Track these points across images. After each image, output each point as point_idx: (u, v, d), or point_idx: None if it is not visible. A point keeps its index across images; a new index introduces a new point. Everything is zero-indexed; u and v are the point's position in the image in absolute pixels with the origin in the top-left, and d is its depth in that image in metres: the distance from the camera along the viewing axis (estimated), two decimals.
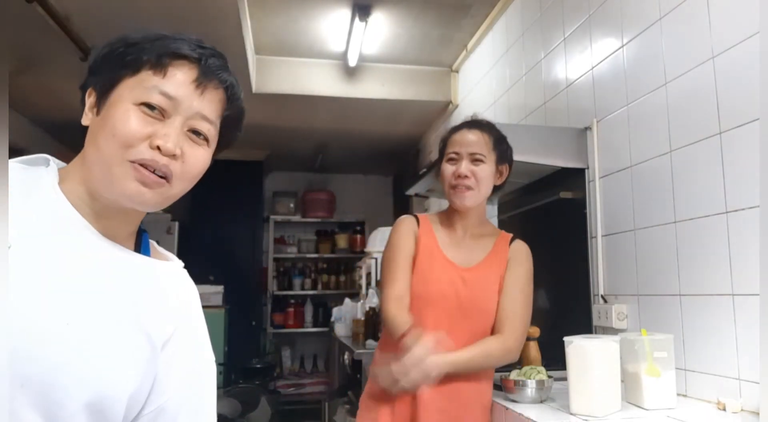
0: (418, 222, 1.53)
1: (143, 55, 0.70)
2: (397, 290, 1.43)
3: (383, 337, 1.57)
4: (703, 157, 1.43)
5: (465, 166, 1.41)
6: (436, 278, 1.44)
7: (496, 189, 1.52)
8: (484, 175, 1.43)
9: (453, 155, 1.45)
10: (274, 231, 5.41)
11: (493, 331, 1.43)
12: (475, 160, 1.42)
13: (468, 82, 3.46)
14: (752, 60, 1.28)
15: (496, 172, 1.47)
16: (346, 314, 3.55)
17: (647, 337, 1.34)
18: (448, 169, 1.45)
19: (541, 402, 1.41)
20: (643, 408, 1.32)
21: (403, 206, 4.94)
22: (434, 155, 4.56)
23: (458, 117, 3.64)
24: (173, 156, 0.70)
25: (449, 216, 1.53)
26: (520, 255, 1.49)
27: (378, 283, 3.35)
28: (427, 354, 1.24)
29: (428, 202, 4.20)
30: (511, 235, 1.53)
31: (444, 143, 1.50)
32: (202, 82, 0.72)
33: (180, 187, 0.73)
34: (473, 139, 1.44)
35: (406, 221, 1.53)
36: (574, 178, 2.03)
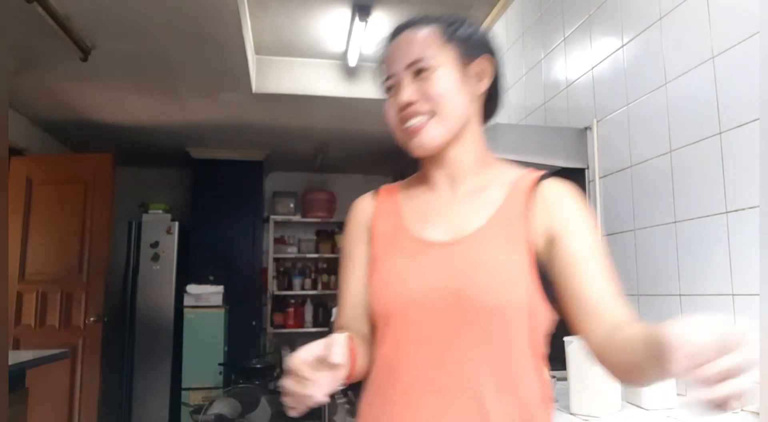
0: (376, 198, 0.99)
1: None
2: (339, 321, 0.95)
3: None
4: (703, 157, 1.43)
5: (406, 90, 0.88)
6: (394, 276, 0.87)
7: (491, 104, 0.96)
8: (442, 85, 0.87)
9: (389, 82, 0.92)
10: (274, 231, 5.41)
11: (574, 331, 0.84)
12: (418, 71, 0.88)
13: None
14: (752, 60, 1.28)
15: (467, 75, 0.90)
16: None
17: None
18: (389, 104, 0.92)
19: None
20: (642, 408, 1.32)
21: None
22: None
23: None
24: None
25: (424, 172, 0.97)
26: (562, 199, 0.86)
27: None
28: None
29: None
30: (538, 173, 0.90)
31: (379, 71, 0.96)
32: None
33: None
34: (406, 42, 0.92)
35: (354, 210, 1.01)
36: (574, 178, 2.02)
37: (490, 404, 0.77)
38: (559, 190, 0.88)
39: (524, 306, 0.81)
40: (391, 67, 0.92)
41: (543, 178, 0.89)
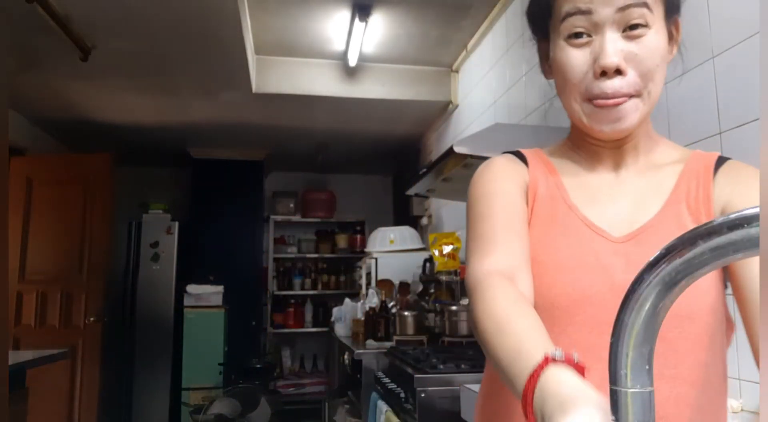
0: (526, 161, 0.81)
1: None
2: (493, 263, 0.69)
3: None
4: None
5: (615, 49, 0.66)
6: (561, 264, 0.71)
7: None
8: (659, 54, 0.68)
9: (582, 25, 0.68)
10: (274, 231, 5.41)
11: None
12: (633, 25, 0.66)
13: (468, 82, 3.46)
14: (752, 60, 1.28)
15: (667, 39, 0.71)
16: (346, 314, 3.55)
17: None
18: (573, 58, 0.69)
19: None
20: None
21: (403, 206, 4.94)
22: (435, 155, 4.52)
23: (458, 117, 3.64)
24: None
25: (579, 143, 0.80)
26: (747, 175, 0.72)
27: (378, 282, 3.36)
28: None
29: (428, 202, 4.20)
30: (715, 155, 0.76)
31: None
32: None
33: None
34: None
35: (501, 161, 0.81)
36: None
37: None
38: (745, 167, 0.73)
39: (715, 314, 0.66)
40: (587, 2, 0.66)
41: (721, 160, 0.74)
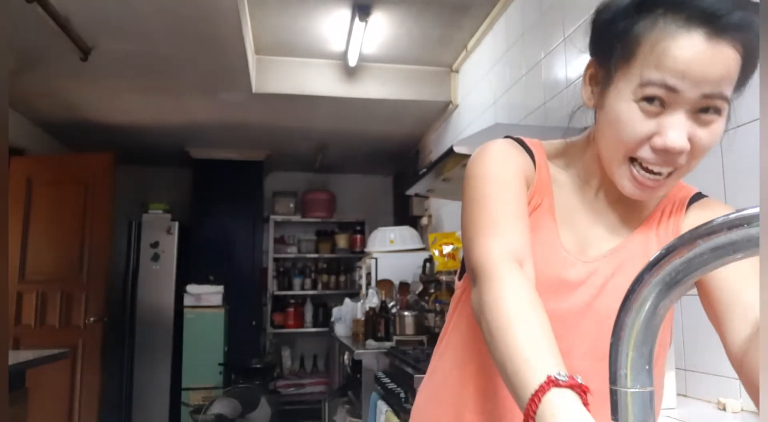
0: (531, 155, 0.80)
1: None
2: (504, 244, 0.66)
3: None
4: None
5: (684, 130, 0.64)
6: (540, 282, 0.70)
7: None
8: (717, 139, 0.67)
9: (656, 94, 0.63)
10: (274, 231, 5.41)
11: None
12: (707, 108, 0.65)
13: (468, 82, 3.46)
14: None
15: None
16: (346, 314, 3.56)
17: None
18: (636, 121, 0.65)
19: None
20: None
21: (403, 206, 4.94)
22: (435, 155, 4.50)
23: (458, 117, 3.64)
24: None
25: (586, 168, 0.79)
26: (720, 209, 0.77)
27: (378, 282, 3.35)
28: None
29: (428, 202, 4.20)
30: (692, 191, 0.80)
31: (631, 43, 0.65)
32: None
33: None
34: (714, 58, 0.62)
35: (506, 145, 0.80)
36: None
37: None
38: (717, 204, 0.78)
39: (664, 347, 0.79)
40: (679, 79, 0.62)
41: (696, 196, 0.79)
